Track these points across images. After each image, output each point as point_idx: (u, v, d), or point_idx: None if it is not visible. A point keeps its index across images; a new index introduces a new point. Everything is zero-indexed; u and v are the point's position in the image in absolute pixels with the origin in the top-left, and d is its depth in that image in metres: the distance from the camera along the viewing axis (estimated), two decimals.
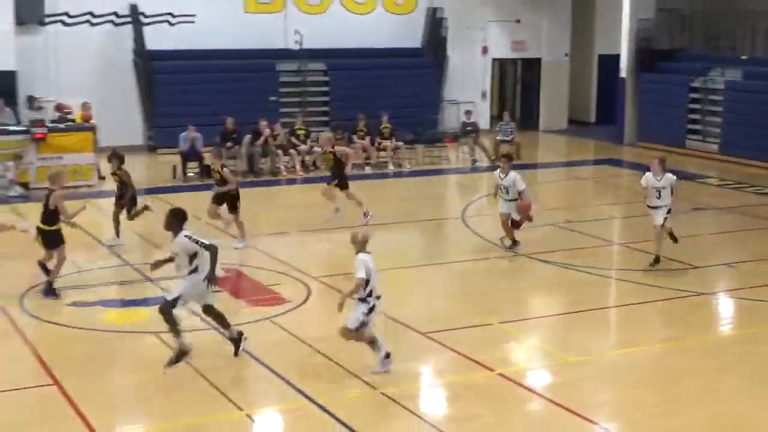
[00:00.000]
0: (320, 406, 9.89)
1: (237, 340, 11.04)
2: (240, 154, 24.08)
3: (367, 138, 25.20)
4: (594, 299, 14.12)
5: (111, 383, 10.94)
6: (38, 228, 13.64)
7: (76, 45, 26.33)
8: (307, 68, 28.64)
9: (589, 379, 11.11)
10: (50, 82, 25.67)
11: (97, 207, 20.55)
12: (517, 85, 33.78)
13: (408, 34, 30.37)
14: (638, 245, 17.08)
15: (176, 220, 10.79)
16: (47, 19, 25.85)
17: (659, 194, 14.82)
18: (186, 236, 10.67)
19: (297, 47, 28.47)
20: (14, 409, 10.24)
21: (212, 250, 10.66)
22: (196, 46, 27.33)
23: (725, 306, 14.48)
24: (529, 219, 16.26)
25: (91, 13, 26.55)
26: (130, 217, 16.96)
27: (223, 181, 17.04)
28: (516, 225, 16.15)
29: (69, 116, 23.27)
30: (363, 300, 10.24)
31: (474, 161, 26.44)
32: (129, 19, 26.90)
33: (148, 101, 26.90)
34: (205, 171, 23.42)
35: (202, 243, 10.64)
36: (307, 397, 10.16)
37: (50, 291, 13.68)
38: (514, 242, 16.18)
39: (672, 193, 15.02)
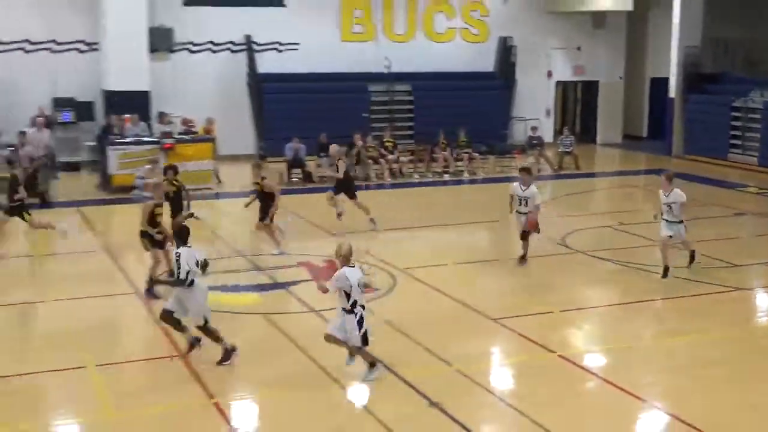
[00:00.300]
0: (403, 379, 10.02)
1: (193, 345, 10.52)
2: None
3: (447, 150, 25.29)
4: (643, 292, 13.99)
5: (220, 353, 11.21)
6: (141, 230, 13.42)
7: (200, 69, 26.93)
8: (394, 89, 28.83)
9: (637, 363, 11.14)
10: (177, 100, 26.07)
11: (216, 207, 21.00)
12: (577, 104, 33.45)
13: (482, 59, 30.30)
14: (680, 245, 16.90)
15: (178, 237, 10.55)
16: (176, 48, 26.46)
17: (670, 209, 14.00)
18: (176, 252, 10.23)
19: (386, 71, 28.67)
20: (144, 375, 10.59)
21: (173, 282, 10.31)
22: (299, 70, 27.66)
23: (762, 300, 14.28)
24: (537, 230, 15.23)
25: (212, 42, 27.08)
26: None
27: (263, 193, 16.27)
28: (524, 236, 15.21)
29: (193, 129, 23.79)
30: (350, 311, 9.60)
31: (539, 170, 26.26)
32: (244, 47, 27.38)
33: (259, 117, 27.33)
34: (307, 177, 23.81)
35: (178, 266, 10.05)
36: (390, 370, 10.29)
37: (150, 290, 13.23)
38: (523, 257, 15.33)
39: (680, 209, 14.02)
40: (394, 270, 14.85)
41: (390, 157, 25.02)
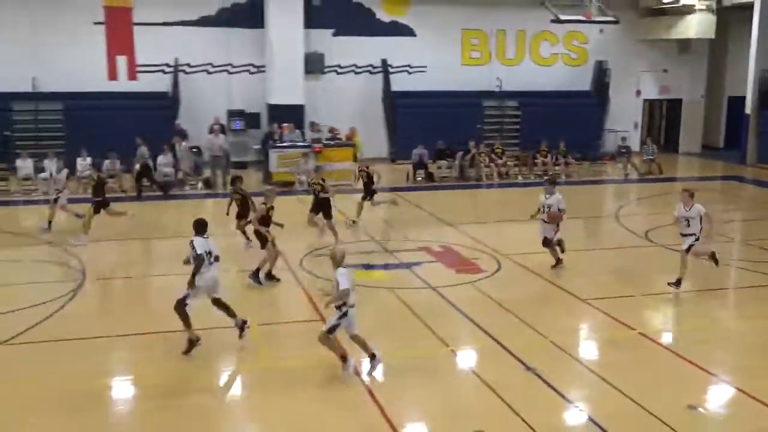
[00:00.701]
0: (504, 348, 9.95)
1: (241, 327, 9.95)
2: (454, 165, 24.38)
3: (547, 156, 24.96)
4: (716, 281, 13.46)
5: (357, 318, 11.36)
6: (255, 230, 13.17)
7: (344, 87, 27.28)
8: (504, 105, 28.50)
9: (709, 342, 10.70)
10: (326, 112, 26.38)
11: (353, 199, 21.26)
12: (662, 119, 32.35)
13: (580, 80, 29.67)
14: (754, 242, 16.18)
15: (196, 227, 9.81)
16: (326, 70, 26.85)
17: (688, 223, 12.26)
18: (191, 240, 9.74)
19: (497, 89, 28.34)
20: (291, 336, 10.82)
21: (197, 260, 9.54)
22: (426, 89, 27.70)
23: None
24: (558, 221, 13.65)
25: (355, 65, 27.40)
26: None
27: (323, 190, 16.02)
28: (547, 243, 13.70)
29: (338, 136, 24.17)
30: (338, 307, 8.90)
31: (626, 175, 25.64)
32: (380, 70, 27.58)
33: (392, 127, 27.54)
34: (429, 176, 23.85)
35: (195, 251, 9.55)
36: (492, 337, 10.25)
37: (255, 275, 12.79)
38: (558, 261, 13.84)
39: (701, 222, 12.25)
40: (499, 255, 14.77)
41: (499, 161, 24.87)
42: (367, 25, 27.24)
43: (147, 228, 17.43)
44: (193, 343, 9.56)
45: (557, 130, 25.73)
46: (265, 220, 13.03)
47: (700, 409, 8.47)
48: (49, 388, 8.75)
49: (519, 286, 13.05)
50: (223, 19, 25.87)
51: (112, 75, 25.41)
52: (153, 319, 11.43)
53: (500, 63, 29.00)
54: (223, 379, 9.41)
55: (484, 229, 17.36)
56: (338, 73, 27.26)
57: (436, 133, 24.93)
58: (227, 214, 15.20)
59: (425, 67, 28.02)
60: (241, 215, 14.89)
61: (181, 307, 9.46)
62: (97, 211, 15.86)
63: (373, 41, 27.30)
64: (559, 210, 13.55)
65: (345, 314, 8.89)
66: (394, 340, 10.54)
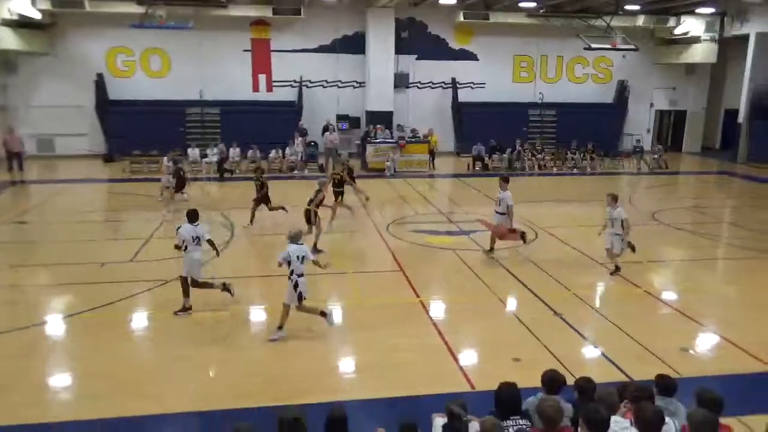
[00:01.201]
0: (538, 297, 9.78)
1: (227, 289, 9.27)
2: (504, 159, 23.93)
3: (576, 153, 24.21)
4: (709, 252, 12.75)
5: (427, 271, 11.38)
6: (306, 208, 12.34)
7: (423, 98, 27.06)
8: (545, 113, 27.70)
9: (702, 300, 10.37)
10: (409, 117, 26.35)
11: (427, 183, 21.21)
12: (670, 126, 30.70)
13: (605, 94, 28.50)
14: (741, 223, 15.29)
15: (188, 215, 9.05)
16: (410, 85, 26.71)
17: (612, 224, 10.89)
18: (177, 226, 9.11)
19: (539, 101, 27.67)
20: (377, 282, 10.91)
21: (177, 246, 9.13)
22: (484, 100, 27.19)
23: None
24: (499, 236, 12.02)
25: (431, 82, 27.13)
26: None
27: (342, 183, 14.71)
28: (609, 253, 11.25)
29: (417, 135, 24.04)
30: (289, 278, 8.12)
31: (638, 169, 24.56)
32: (450, 85, 27.20)
33: (458, 128, 27.13)
34: (485, 167, 23.51)
35: (177, 235, 8.97)
36: (528, 288, 10.08)
37: (315, 249, 11.70)
38: (616, 268, 11.14)
39: (622, 225, 10.74)
40: (536, 228, 14.47)
41: (539, 156, 24.24)
42: (441, 51, 26.86)
43: (277, 199, 17.89)
44: (185, 310, 8.96)
45: (585, 133, 24.95)
46: (317, 204, 12.24)
47: (690, 351, 8.15)
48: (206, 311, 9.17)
49: (551, 252, 12.77)
50: (336, 47, 26.01)
51: (255, 88, 25.97)
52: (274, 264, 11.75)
53: (543, 81, 28.14)
54: (328, 311, 9.58)
55: (526, 207, 16.92)
56: (419, 88, 27.04)
57: (491, 133, 24.50)
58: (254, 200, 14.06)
59: (484, 83, 27.49)
60: (259, 200, 13.96)
61: (182, 281, 8.99)
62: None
63: (446, 64, 26.94)
64: (507, 207, 11.73)
65: (296, 284, 8.09)
66: (453, 287, 10.55)
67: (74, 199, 17.70)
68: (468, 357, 7.99)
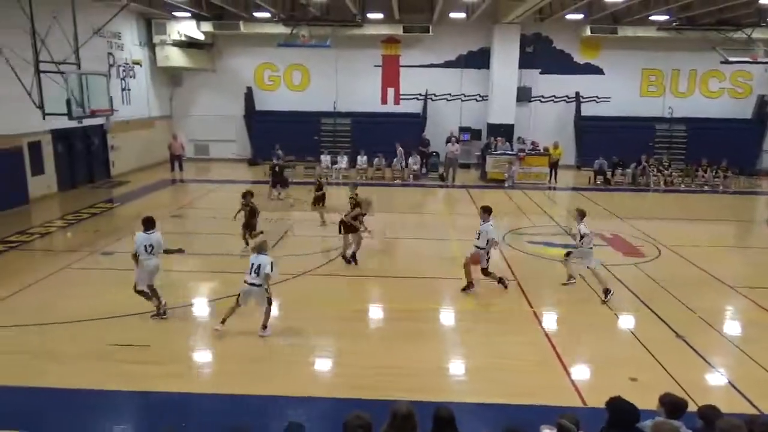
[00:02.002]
0: (659, 317, 9.05)
1: (162, 311, 8.76)
2: (627, 173, 22.46)
3: (708, 170, 22.20)
4: None
5: (541, 282, 10.90)
6: (341, 221, 11.62)
7: (545, 112, 26.18)
8: (673, 128, 25.64)
9: None
10: (530, 130, 25.64)
11: (546, 195, 20.44)
12: None
13: (742, 110, 25.79)
14: None
15: (142, 223, 8.63)
16: (532, 99, 25.96)
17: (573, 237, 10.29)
18: (138, 234, 8.63)
19: (669, 116, 25.67)
20: (491, 290, 10.52)
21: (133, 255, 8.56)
22: (609, 114, 25.76)
23: None
24: (477, 264, 10.06)
25: (554, 96, 26.16)
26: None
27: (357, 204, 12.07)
28: (484, 272, 10.09)
29: (537, 148, 23.24)
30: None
31: None
32: (574, 99, 26.05)
33: (579, 142, 25.88)
34: (607, 182, 22.24)
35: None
36: (648, 307, 9.35)
37: (352, 259, 11.51)
38: (469, 284, 10.11)
39: (582, 243, 9.92)
40: (660, 245, 13.41)
41: (665, 172, 22.47)
42: (566, 66, 25.81)
43: (403, 205, 18.15)
44: (159, 308, 8.77)
45: (718, 150, 22.80)
46: (355, 219, 11.51)
47: None
48: (330, 305, 9.44)
49: (675, 270, 11.75)
50: (460, 62, 25.90)
51: (384, 100, 26.51)
52: (402, 266, 11.85)
53: (673, 95, 26.08)
54: (443, 314, 9.47)
55: (649, 224, 15.83)
56: (541, 102, 26.18)
57: (614, 148, 23.13)
58: (234, 219, 12.56)
59: (610, 97, 26.03)
60: (247, 225, 12.27)
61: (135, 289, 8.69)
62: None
63: (570, 78, 25.84)
64: (487, 242, 9.93)
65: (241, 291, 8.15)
66: (568, 300, 10.02)
67: (222, 197, 19.03)
68: (580, 371, 7.53)
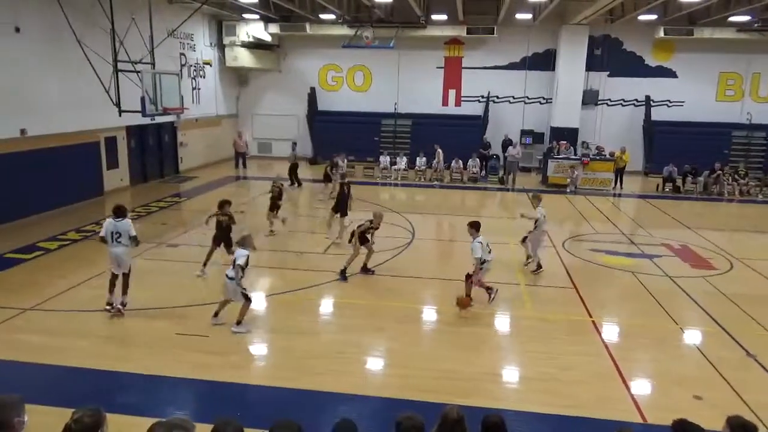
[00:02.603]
0: (726, 332, 8.60)
1: (121, 305, 8.75)
2: (699, 182, 21.41)
3: None
4: None
5: (601, 291, 10.59)
6: (352, 232, 11.02)
7: (612, 116, 25.37)
8: (752, 135, 24.21)
9: None
10: (595, 134, 24.98)
11: (610, 202, 19.80)
12: None
13: None
14: None
15: (113, 212, 8.57)
16: (599, 102, 25.20)
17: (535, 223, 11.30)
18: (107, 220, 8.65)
19: (747, 122, 24.29)
20: (549, 297, 10.31)
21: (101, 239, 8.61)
22: (681, 119, 24.65)
23: None
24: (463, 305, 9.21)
25: (623, 99, 25.31)
26: None
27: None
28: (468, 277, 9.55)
29: (602, 153, 22.54)
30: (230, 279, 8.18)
31: None
32: (643, 103, 25.09)
33: (648, 148, 24.91)
34: (676, 189, 21.37)
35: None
36: (717, 323, 8.88)
37: (342, 274, 10.70)
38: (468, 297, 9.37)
39: (535, 225, 11.24)
40: (732, 258, 12.74)
41: (741, 181, 21.28)
42: (636, 68, 24.92)
43: (454, 207, 18.00)
44: (109, 305, 8.79)
45: None
46: (366, 232, 10.83)
47: None
48: (385, 305, 9.49)
49: (748, 285, 11.13)
50: (525, 64, 25.47)
51: (445, 102, 26.41)
52: (453, 269, 11.77)
53: (752, 100, 24.69)
54: (499, 320, 9.33)
55: (721, 236, 15.05)
56: (608, 105, 25.38)
57: (685, 154, 22.14)
58: (206, 222, 11.12)
59: (683, 102, 24.93)
60: (219, 239, 10.84)
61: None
62: None
63: (640, 81, 24.95)
64: (475, 259, 9.19)
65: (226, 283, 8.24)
66: (629, 311, 9.68)
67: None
68: (641, 386, 7.24)
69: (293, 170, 20.17)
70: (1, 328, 8.31)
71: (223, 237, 10.64)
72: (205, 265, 10.65)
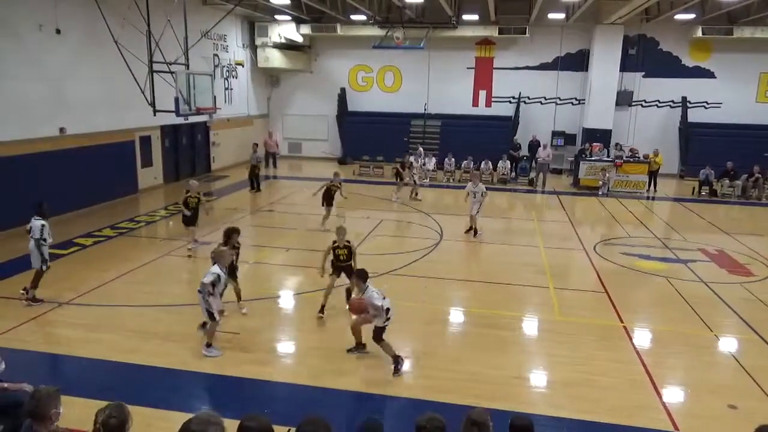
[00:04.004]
0: (764, 339, 8.32)
1: (32, 298, 8.97)
2: (737, 185, 20.77)
3: None
4: None
5: (633, 296, 10.39)
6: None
7: (647, 117, 24.83)
8: None
9: None
10: (629, 136, 24.54)
11: (643, 204, 19.41)
12: None
13: None
14: None
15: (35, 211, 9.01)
16: (633, 103, 24.70)
17: (474, 196, 13.71)
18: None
19: None
20: (579, 300, 10.16)
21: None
22: (719, 121, 23.97)
23: None
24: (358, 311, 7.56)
25: (658, 101, 24.74)
26: None
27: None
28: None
29: (636, 155, 22.09)
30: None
31: None
32: (680, 105, 24.50)
33: (684, 150, 24.29)
34: (713, 193, 20.79)
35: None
36: (755, 331, 8.64)
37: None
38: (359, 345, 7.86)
39: (483, 196, 13.81)
40: None
41: None
42: (672, 69, 24.33)
43: (490, 209, 17.82)
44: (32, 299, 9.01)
45: None
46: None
47: None
48: (412, 306, 9.47)
49: None
50: (557, 64, 25.12)
51: (475, 103, 26.22)
52: (480, 270, 11.67)
53: None
54: (527, 323, 9.20)
55: (760, 241, 14.59)
56: (643, 106, 24.85)
57: (723, 157, 21.45)
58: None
59: (721, 103, 24.24)
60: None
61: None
62: None
63: (676, 82, 24.34)
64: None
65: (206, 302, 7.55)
66: (662, 317, 9.44)
67: (312, 194, 19.62)
68: (673, 394, 7.06)
69: (253, 172, 19.14)
70: (37, 321, 8.56)
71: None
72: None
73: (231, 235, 8.82)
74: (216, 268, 7.56)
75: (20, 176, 13.25)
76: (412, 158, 19.72)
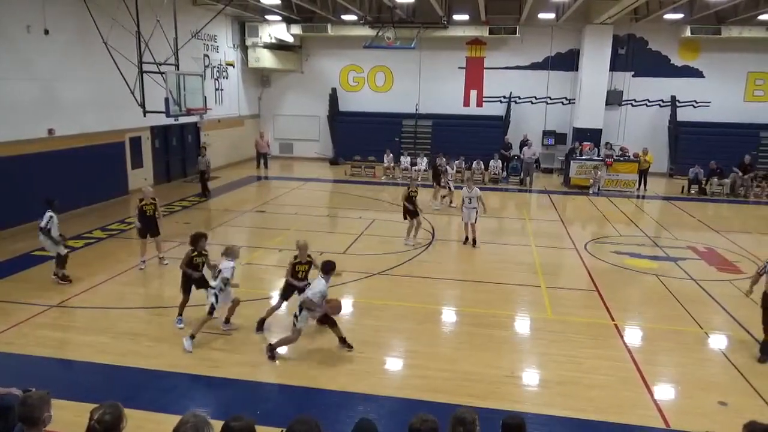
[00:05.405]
0: (754, 337, 8.37)
1: None
2: (725, 184, 20.94)
3: None
4: None
5: (624, 294, 10.44)
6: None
7: (636, 116, 24.96)
8: None
9: None
10: (619, 135, 24.65)
11: (633, 203, 19.48)
12: None
13: None
14: None
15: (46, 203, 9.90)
16: (623, 102, 24.84)
17: (470, 201, 13.02)
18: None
19: None
20: (570, 299, 10.20)
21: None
22: (707, 120, 24.14)
23: None
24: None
25: (647, 100, 24.89)
26: None
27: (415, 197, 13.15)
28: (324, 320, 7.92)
29: (626, 154, 22.21)
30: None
31: None
32: (669, 104, 24.67)
33: (673, 149, 24.45)
34: (702, 191, 20.93)
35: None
36: (744, 328, 8.71)
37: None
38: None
39: (479, 201, 13.09)
40: (760, 261, 12.23)
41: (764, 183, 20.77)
42: (662, 68, 24.49)
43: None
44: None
45: None
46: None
47: None
48: (405, 306, 9.46)
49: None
50: (547, 64, 25.22)
51: (466, 103, 26.27)
52: (472, 270, 11.69)
53: None
54: (519, 322, 9.22)
55: (748, 238, 14.71)
56: (633, 106, 24.99)
57: (712, 156, 21.62)
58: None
59: (709, 102, 24.43)
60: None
61: None
62: None
63: (666, 81, 24.50)
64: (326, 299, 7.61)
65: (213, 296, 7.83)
66: (653, 315, 9.50)
67: (303, 194, 19.57)
68: (664, 391, 7.10)
69: (202, 177, 18.35)
70: (27, 324, 8.48)
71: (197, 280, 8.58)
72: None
73: (198, 241, 8.40)
74: (231, 262, 7.81)
75: (9, 178, 13.12)
76: (448, 166, 18.68)
